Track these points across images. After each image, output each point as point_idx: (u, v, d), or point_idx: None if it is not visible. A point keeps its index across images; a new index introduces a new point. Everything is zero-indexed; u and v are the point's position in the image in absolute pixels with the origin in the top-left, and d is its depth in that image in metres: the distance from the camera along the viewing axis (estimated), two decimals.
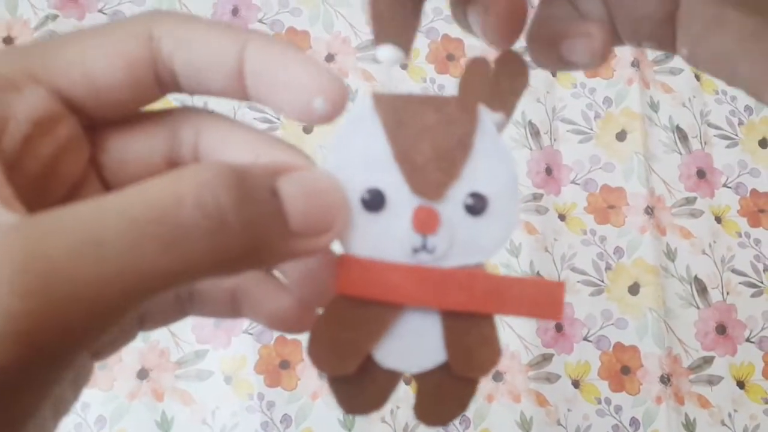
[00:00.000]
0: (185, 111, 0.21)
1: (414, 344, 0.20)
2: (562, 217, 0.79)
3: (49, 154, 0.18)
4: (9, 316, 0.13)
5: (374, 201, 0.19)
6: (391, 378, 0.20)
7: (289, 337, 0.73)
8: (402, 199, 0.19)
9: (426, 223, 0.19)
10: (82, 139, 0.20)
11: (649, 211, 0.79)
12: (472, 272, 0.19)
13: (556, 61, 0.23)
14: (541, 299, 0.20)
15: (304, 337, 0.69)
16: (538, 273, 0.76)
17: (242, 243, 0.16)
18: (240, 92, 0.20)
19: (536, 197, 0.78)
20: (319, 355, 0.20)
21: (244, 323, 0.74)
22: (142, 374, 0.72)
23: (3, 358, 0.13)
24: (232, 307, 0.23)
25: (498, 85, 0.20)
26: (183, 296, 0.23)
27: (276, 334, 0.74)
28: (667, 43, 0.24)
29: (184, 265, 0.15)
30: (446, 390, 0.20)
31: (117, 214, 0.14)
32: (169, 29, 0.19)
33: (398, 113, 0.19)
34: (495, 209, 0.20)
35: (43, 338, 0.14)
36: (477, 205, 0.19)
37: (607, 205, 0.79)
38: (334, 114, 0.19)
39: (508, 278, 0.20)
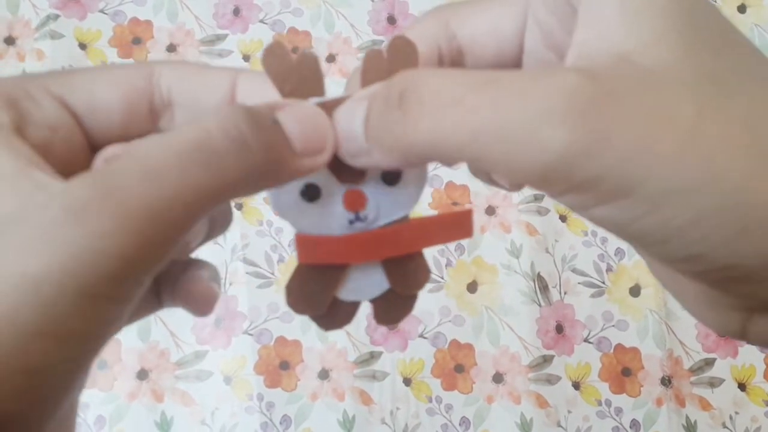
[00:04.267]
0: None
1: (365, 282, 0.25)
2: (563, 218, 0.78)
3: (65, 153, 0.22)
4: (104, 236, 0.17)
5: (311, 193, 0.23)
6: (353, 306, 0.25)
7: (289, 338, 0.73)
8: (332, 188, 0.24)
9: (355, 203, 0.24)
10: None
11: None
12: (397, 228, 0.24)
13: (487, 179, 0.27)
14: (456, 225, 0.25)
15: (303, 338, 0.69)
16: (539, 274, 0.76)
17: (263, 159, 0.20)
18: None
19: (537, 198, 0.78)
20: (296, 305, 0.24)
21: (244, 324, 0.74)
22: (142, 375, 0.72)
23: (106, 270, 0.17)
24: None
25: (393, 70, 0.22)
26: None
27: (276, 335, 0.74)
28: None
29: (223, 181, 0.19)
30: (394, 304, 0.26)
31: (164, 151, 0.18)
32: (170, 67, 0.24)
33: None
34: (407, 176, 0.24)
35: (134, 252, 0.17)
36: (392, 178, 0.24)
37: None
38: None
39: (427, 219, 0.25)
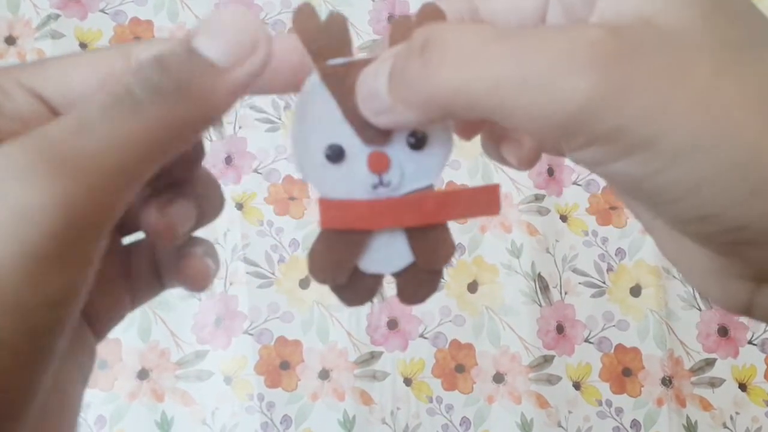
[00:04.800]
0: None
1: (387, 253, 0.25)
2: (563, 218, 0.78)
3: None
4: (42, 190, 0.17)
5: (335, 154, 0.23)
6: (375, 279, 0.25)
7: (290, 338, 0.73)
8: (357, 149, 0.24)
9: (379, 164, 0.24)
10: None
11: None
12: (421, 195, 0.24)
13: (498, 158, 0.26)
14: (481, 200, 0.25)
15: (304, 338, 0.69)
16: (539, 274, 0.76)
17: (185, 98, 0.19)
18: None
19: (538, 198, 0.78)
20: (317, 273, 0.24)
21: (245, 324, 0.74)
22: (143, 374, 0.72)
23: (49, 228, 0.17)
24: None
25: None
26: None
27: (276, 335, 0.74)
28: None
29: (155, 130, 0.19)
30: (418, 280, 0.25)
31: (91, 105, 0.18)
32: (150, 45, 0.23)
33: (342, 79, 0.23)
34: (433, 141, 0.24)
35: (76, 204, 0.17)
36: (418, 142, 0.24)
37: (608, 206, 0.79)
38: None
39: (452, 191, 0.25)
